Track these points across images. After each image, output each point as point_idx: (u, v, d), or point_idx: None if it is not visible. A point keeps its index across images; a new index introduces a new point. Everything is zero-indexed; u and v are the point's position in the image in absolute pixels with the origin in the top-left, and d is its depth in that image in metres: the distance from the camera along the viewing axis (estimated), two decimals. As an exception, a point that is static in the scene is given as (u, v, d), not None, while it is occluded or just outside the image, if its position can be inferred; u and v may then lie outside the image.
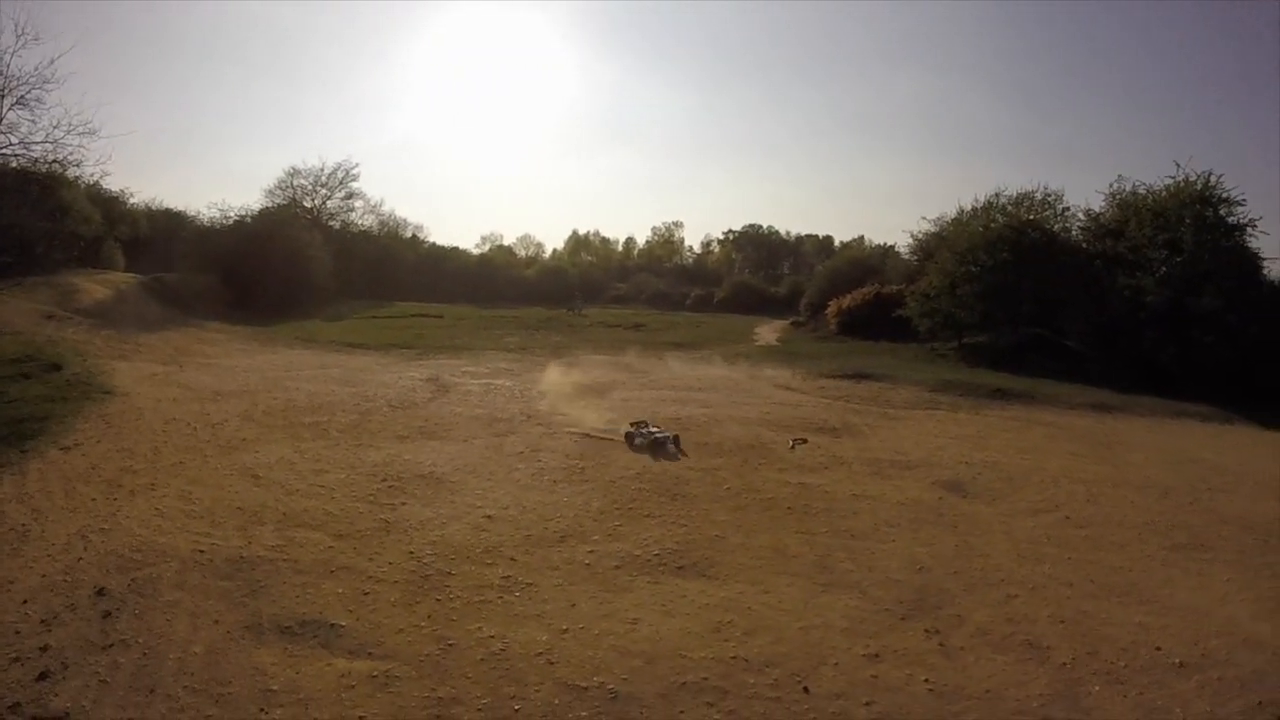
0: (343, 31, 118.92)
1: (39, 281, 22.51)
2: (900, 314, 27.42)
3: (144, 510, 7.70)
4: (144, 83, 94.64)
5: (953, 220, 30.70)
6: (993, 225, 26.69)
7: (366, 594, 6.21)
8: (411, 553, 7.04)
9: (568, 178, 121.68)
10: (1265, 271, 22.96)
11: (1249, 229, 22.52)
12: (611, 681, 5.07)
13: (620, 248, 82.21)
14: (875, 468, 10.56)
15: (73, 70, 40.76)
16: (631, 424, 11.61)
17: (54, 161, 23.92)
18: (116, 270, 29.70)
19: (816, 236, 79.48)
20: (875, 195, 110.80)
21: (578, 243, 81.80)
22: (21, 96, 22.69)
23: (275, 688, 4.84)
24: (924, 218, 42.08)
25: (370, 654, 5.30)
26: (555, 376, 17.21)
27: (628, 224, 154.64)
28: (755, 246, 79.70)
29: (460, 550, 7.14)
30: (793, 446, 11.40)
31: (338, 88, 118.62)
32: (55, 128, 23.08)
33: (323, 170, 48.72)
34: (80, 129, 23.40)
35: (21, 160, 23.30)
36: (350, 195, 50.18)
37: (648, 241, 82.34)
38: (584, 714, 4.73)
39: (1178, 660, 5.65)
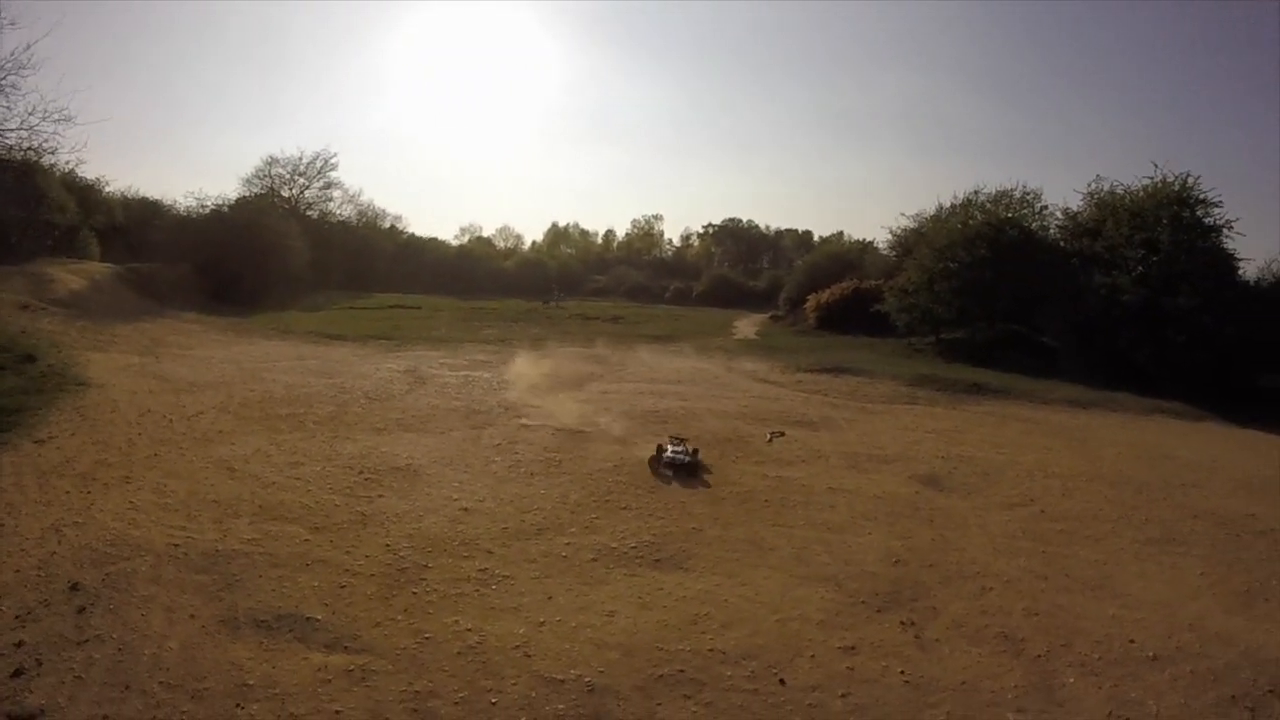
0: (323, 21, 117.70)
1: (13, 271, 22.11)
2: (878, 309, 27.68)
3: (119, 504, 7.61)
4: (121, 70, 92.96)
5: (932, 217, 31.01)
6: (971, 222, 27.00)
7: (343, 587, 6.18)
8: (388, 545, 7.00)
9: (548, 170, 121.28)
10: (1240, 272, 23.32)
11: (1225, 230, 22.88)
12: (588, 674, 5.08)
13: (600, 240, 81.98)
14: (852, 461, 10.63)
15: (48, 56, 39.98)
16: (660, 447, 9.98)
17: (29, 149, 23.41)
18: (92, 260, 29.16)
19: (796, 231, 79.66)
20: (855, 191, 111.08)
21: (557, 235, 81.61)
22: (-3, 83, 22.23)
23: (251, 682, 4.80)
24: (903, 214, 42.10)
25: (346, 648, 5.28)
26: (529, 369, 17.16)
27: (607, 216, 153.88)
28: (735, 240, 79.65)
29: (437, 543, 7.12)
30: (770, 440, 11.45)
31: (318, 78, 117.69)
32: (30, 114, 22.53)
33: (301, 159, 48.28)
34: (56, 116, 22.85)
35: (-4, 148, 22.88)
36: (328, 185, 49.76)
37: (627, 234, 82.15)
38: (561, 707, 4.73)
39: (1151, 653, 5.73)
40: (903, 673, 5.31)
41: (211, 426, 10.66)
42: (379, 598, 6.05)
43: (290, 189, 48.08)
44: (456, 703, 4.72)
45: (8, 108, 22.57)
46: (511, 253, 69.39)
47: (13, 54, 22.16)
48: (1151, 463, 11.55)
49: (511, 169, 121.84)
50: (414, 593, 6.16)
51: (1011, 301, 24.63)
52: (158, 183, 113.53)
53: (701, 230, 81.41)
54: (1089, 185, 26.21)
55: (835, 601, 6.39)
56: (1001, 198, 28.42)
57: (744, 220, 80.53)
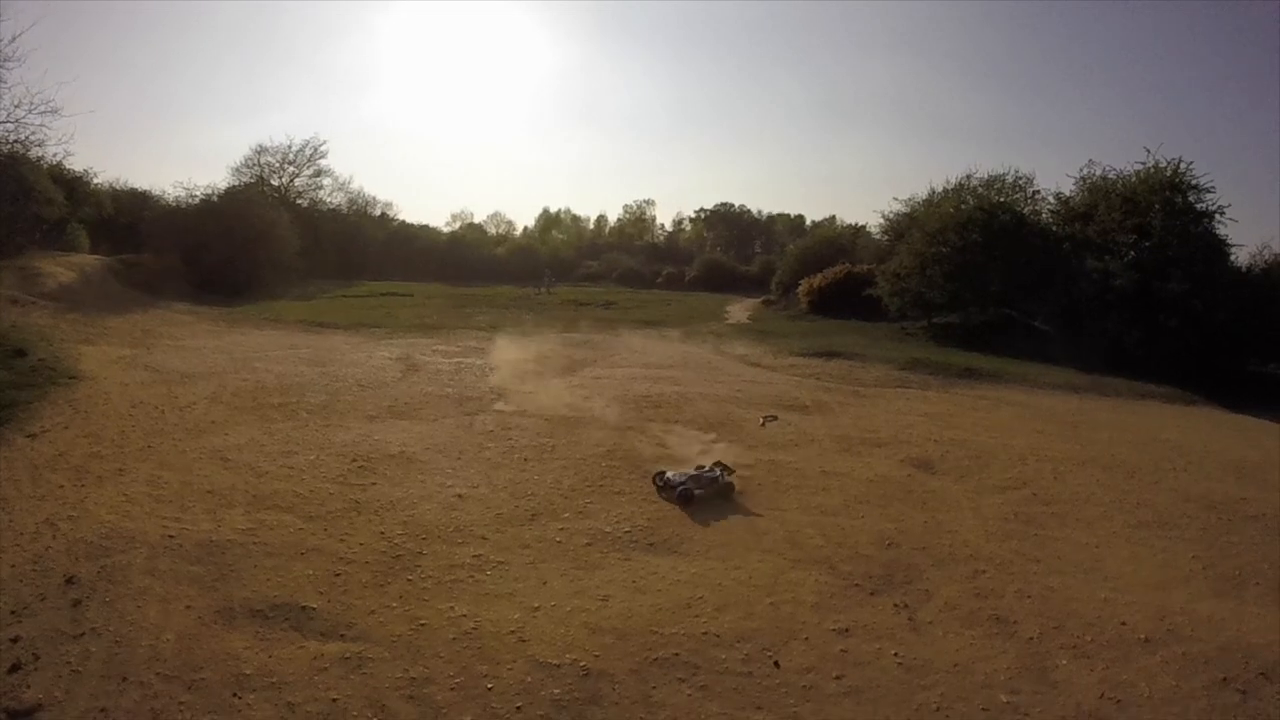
0: (313, 9, 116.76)
1: (2, 265, 21.96)
2: (871, 293, 27.73)
3: (112, 496, 7.59)
4: (109, 60, 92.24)
5: (924, 201, 30.91)
6: (963, 207, 27.00)
7: (338, 575, 6.19)
8: (382, 533, 7.01)
9: (539, 156, 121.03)
10: (1231, 258, 23.45)
11: (1217, 216, 23.00)
12: (583, 659, 5.11)
13: (591, 226, 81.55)
14: (845, 445, 10.65)
15: (35, 47, 39.48)
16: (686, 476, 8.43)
17: (15, 142, 23.15)
18: (81, 252, 28.93)
19: (788, 216, 79.69)
20: (847, 176, 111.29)
21: (549, 221, 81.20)
22: (-19, 75, 21.96)
23: (248, 672, 4.82)
24: (895, 199, 42.52)
25: (342, 635, 5.30)
26: (521, 355, 17.12)
27: (599, 202, 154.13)
28: (727, 225, 79.64)
29: (431, 530, 7.13)
30: (763, 424, 11.47)
31: (308, 66, 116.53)
32: (17, 107, 22.27)
33: (290, 148, 47.71)
34: (43, 107, 22.63)
35: (-18, 141, 22.61)
36: (318, 173, 49.14)
37: (619, 219, 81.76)
38: (556, 691, 4.76)
39: (1143, 636, 5.79)
40: (896, 655, 5.35)
41: (204, 417, 10.62)
42: (374, 585, 6.06)
43: (280, 177, 47.62)
44: (453, 688, 4.75)
45: (-7, 100, 22.34)
46: (503, 239, 69.10)
47: (-2, 45, 21.92)
48: (1143, 447, 11.61)
49: (503, 156, 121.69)
50: (409, 580, 6.17)
51: (1003, 286, 24.63)
52: (147, 173, 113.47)
53: (694, 215, 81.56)
54: (1081, 170, 26.31)
55: (828, 584, 6.43)
56: (994, 182, 28.50)
57: (736, 205, 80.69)
